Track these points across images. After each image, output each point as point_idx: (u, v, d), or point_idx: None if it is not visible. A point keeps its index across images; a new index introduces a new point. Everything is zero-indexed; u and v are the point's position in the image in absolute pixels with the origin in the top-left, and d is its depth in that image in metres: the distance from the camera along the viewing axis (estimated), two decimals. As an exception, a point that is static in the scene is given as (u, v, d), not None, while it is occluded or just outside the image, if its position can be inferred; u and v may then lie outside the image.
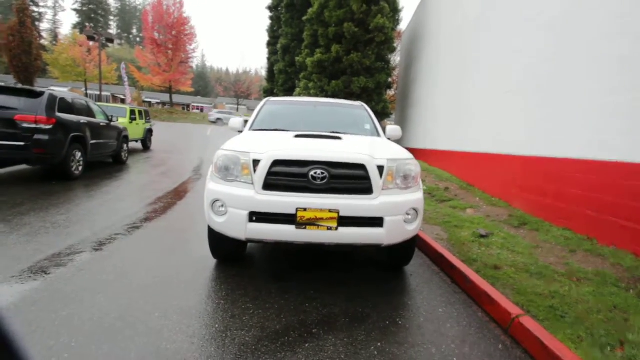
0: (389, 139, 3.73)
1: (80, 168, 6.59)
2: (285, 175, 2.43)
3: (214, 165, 2.64)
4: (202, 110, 53.36)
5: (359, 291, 2.72)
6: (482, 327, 2.30)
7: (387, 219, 2.43)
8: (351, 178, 2.45)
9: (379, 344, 2.04)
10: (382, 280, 2.98)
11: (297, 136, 2.90)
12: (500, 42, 6.43)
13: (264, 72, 69.55)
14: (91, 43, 32.55)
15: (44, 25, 56.62)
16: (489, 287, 2.58)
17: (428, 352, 2.00)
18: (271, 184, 2.42)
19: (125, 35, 74.16)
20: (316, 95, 13.41)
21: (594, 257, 3.40)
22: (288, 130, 3.54)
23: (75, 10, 60.78)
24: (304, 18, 14.12)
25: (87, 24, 47.30)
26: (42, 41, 41.14)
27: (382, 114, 13.95)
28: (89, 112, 7.24)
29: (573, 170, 4.18)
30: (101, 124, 7.60)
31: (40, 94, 5.81)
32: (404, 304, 2.57)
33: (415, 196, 2.59)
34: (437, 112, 10.23)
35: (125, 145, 9.21)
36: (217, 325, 2.13)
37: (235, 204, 2.41)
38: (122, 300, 2.34)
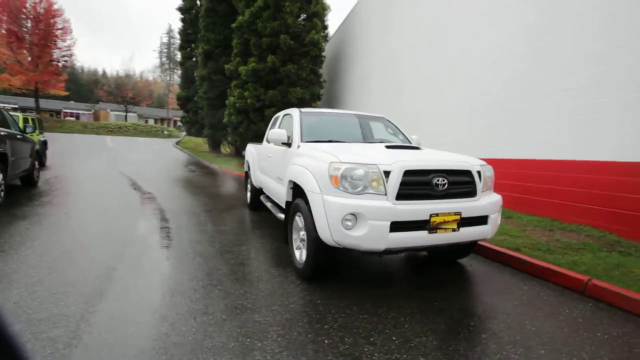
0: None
1: (2, 193, 5.02)
2: (413, 184, 2.58)
3: (331, 178, 2.58)
4: (77, 118, 44.96)
5: (459, 284, 3.05)
6: (564, 294, 2.90)
7: (491, 217, 2.83)
8: (462, 183, 2.77)
9: (521, 312, 2.40)
10: (463, 274, 3.36)
11: (387, 147, 3.06)
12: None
13: (151, 76, 62.72)
14: None
15: None
16: (548, 264, 3.24)
17: (558, 317, 2.46)
18: (402, 193, 2.54)
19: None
20: (253, 104, 13.12)
21: (571, 233, 4.52)
22: (343, 141, 3.64)
23: None
24: (233, 25, 13.67)
25: None
26: None
27: (316, 124, 14.52)
28: (3, 122, 5.56)
29: (535, 169, 5.41)
30: (18, 137, 5.91)
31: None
32: (500, 289, 3.00)
33: (498, 196, 3.07)
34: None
35: (37, 163, 7.32)
36: (399, 339, 2.14)
37: (376, 215, 2.43)
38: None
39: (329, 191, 2.59)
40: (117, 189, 7.61)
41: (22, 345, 0.49)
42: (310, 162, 2.92)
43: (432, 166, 2.66)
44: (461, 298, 2.77)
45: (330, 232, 2.52)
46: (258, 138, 13.71)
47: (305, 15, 13.54)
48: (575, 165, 4.81)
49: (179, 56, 22.25)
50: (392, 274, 3.41)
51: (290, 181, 3.31)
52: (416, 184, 2.59)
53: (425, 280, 3.20)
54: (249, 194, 6.26)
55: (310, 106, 14.29)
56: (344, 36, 14.92)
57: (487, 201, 2.83)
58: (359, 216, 2.44)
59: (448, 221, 2.60)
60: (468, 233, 2.72)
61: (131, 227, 4.51)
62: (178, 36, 20.79)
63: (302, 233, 3.04)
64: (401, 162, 2.58)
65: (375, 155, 2.73)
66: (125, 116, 44.96)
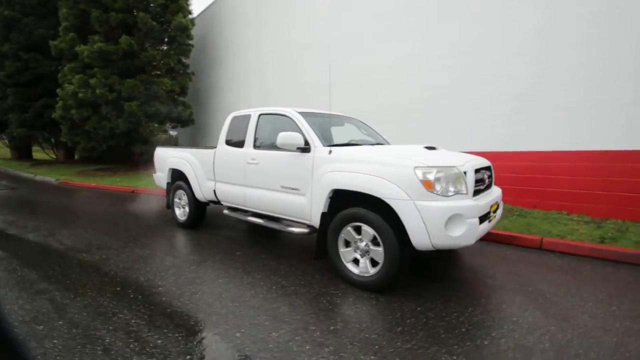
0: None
1: None
2: (476, 181, 2.89)
3: (423, 183, 2.56)
4: None
5: (470, 261, 3.62)
6: (530, 252, 3.93)
7: (500, 204, 3.50)
8: (489, 177, 3.29)
9: (531, 272, 3.17)
10: (459, 252, 3.94)
11: (425, 147, 3.26)
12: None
13: None
14: None
15: None
16: (508, 232, 4.28)
17: (553, 268, 3.36)
18: (474, 190, 2.82)
19: None
20: (104, 95, 10.29)
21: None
22: (355, 144, 3.61)
23: None
24: (59, -12, 10.19)
25: None
26: None
27: (187, 121, 12.80)
28: None
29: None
30: None
31: None
32: (497, 257, 3.74)
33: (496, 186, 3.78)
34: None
35: None
36: (519, 319, 2.43)
37: (471, 214, 2.59)
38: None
39: (421, 196, 2.56)
40: None
41: (23, 343, 0.51)
42: (378, 168, 2.77)
43: (483, 164, 3.07)
44: (492, 272, 3.33)
45: (429, 236, 2.53)
46: (115, 138, 10.91)
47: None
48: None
49: None
50: (419, 265, 3.62)
51: (332, 190, 3.02)
52: (477, 181, 2.93)
53: (448, 264, 3.59)
54: (179, 210, 5.10)
55: (177, 101, 12.42)
56: (211, 26, 13.64)
57: (499, 191, 3.49)
58: (457, 217, 2.56)
59: (492, 211, 3.08)
60: (496, 218, 3.29)
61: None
62: None
63: (365, 243, 2.88)
64: (469, 162, 2.85)
65: (437, 157, 2.88)
66: None
